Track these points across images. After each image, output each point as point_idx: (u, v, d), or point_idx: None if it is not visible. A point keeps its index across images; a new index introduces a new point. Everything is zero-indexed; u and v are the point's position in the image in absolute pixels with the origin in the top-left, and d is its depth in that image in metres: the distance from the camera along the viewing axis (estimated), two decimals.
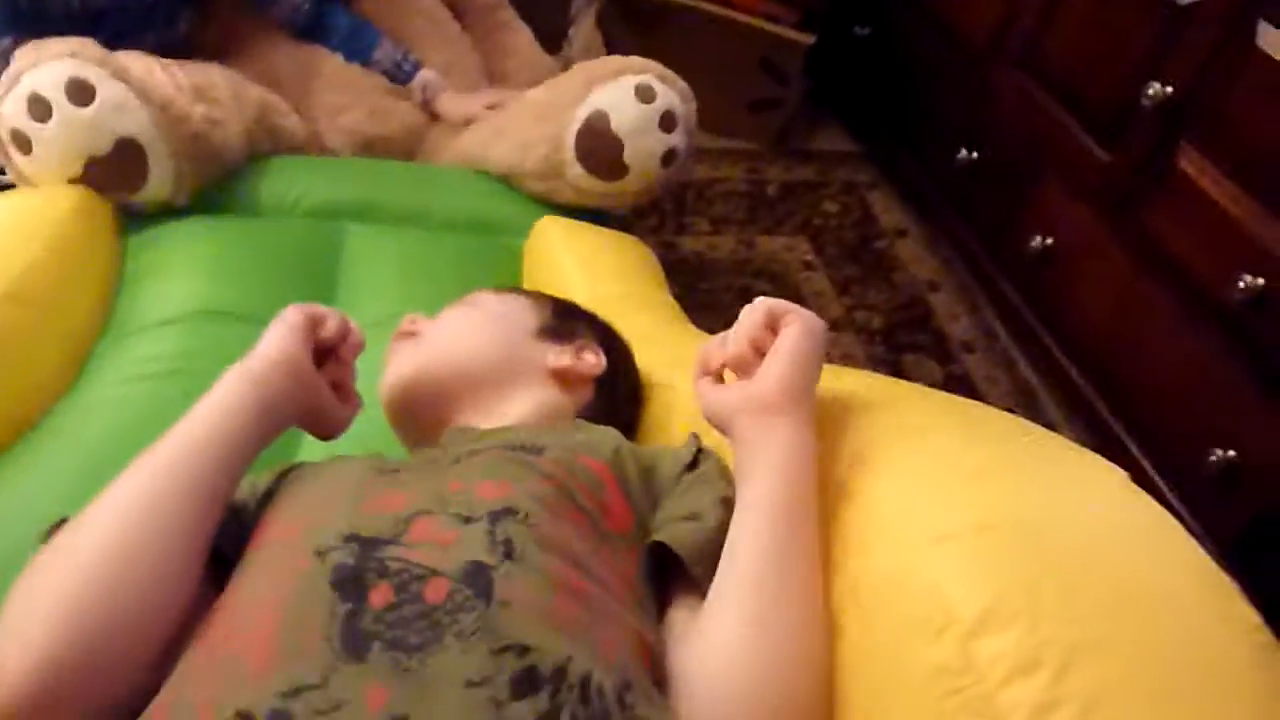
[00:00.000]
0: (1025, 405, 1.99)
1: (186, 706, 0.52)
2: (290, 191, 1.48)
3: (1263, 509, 1.44)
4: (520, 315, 0.92)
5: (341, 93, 1.73)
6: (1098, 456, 0.58)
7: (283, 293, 1.22)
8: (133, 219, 1.36)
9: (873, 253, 2.34)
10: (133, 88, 1.23)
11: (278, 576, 0.59)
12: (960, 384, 2.02)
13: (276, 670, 0.51)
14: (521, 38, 2.07)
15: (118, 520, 0.60)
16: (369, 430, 0.91)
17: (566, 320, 0.93)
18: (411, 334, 0.89)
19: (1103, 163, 1.72)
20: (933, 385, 2.05)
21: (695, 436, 0.78)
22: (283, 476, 0.73)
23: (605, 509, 0.67)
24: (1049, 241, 1.86)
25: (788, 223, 2.40)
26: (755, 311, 0.68)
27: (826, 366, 0.69)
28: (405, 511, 0.61)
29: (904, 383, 0.76)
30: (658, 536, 0.67)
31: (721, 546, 0.64)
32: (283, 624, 0.55)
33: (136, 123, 1.23)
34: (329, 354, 0.78)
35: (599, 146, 1.47)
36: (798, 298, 2.18)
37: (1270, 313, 1.40)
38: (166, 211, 1.38)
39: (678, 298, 1.60)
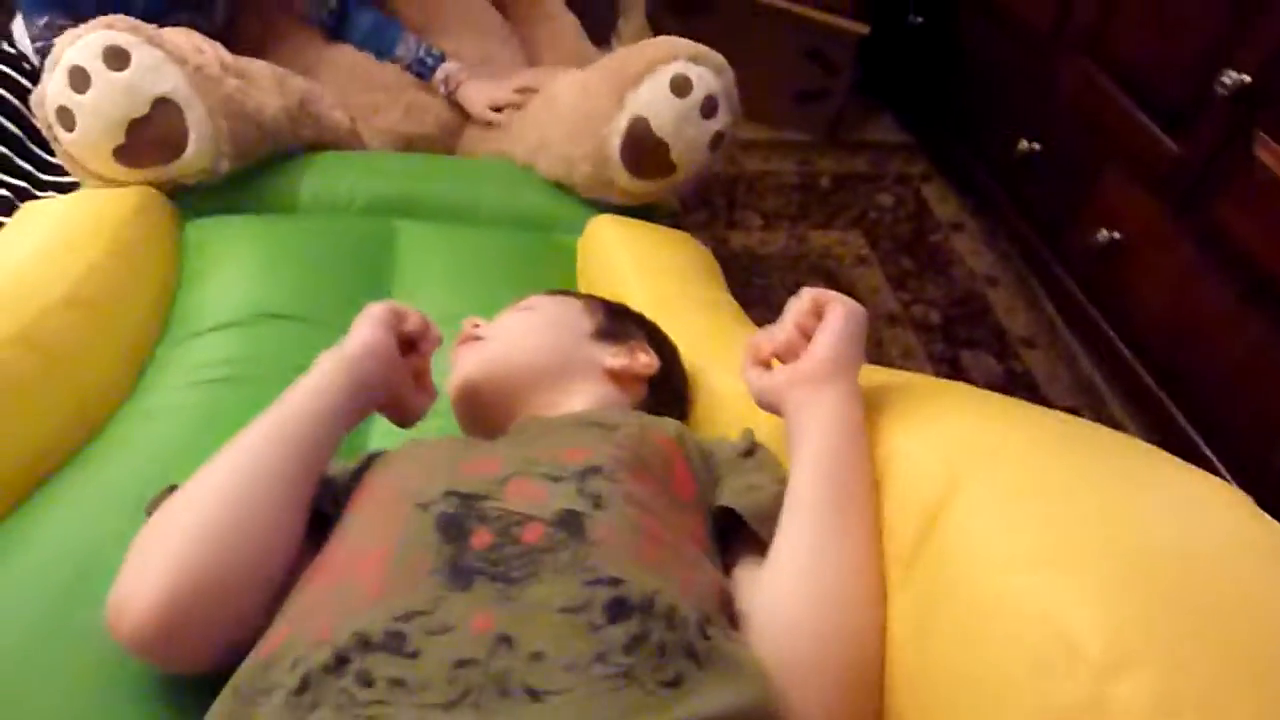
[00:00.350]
0: (1088, 402, 1.94)
1: (304, 631, 0.56)
2: (341, 188, 1.48)
3: None
4: (576, 318, 0.96)
5: (376, 92, 1.72)
6: (1218, 479, 0.55)
7: (338, 294, 1.21)
8: (190, 215, 1.37)
9: (928, 246, 2.29)
10: (168, 53, 1.26)
11: (383, 525, 0.65)
12: (1020, 380, 1.97)
13: (389, 599, 0.56)
14: (566, 30, 2.03)
15: (230, 478, 0.66)
16: (438, 428, 0.93)
17: (619, 322, 0.98)
18: (475, 338, 0.93)
19: (1172, 153, 1.66)
20: (992, 381, 2.01)
21: (749, 431, 0.82)
22: (371, 459, 0.78)
23: (673, 477, 0.73)
24: (1114, 235, 1.81)
25: (841, 216, 2.36)
26: (801, 300, 0.74)
27: (905, 373, 0.68)
28: (499, 474, 0.67)
29: (991, 394, 0.73)
30: (722, 502, 0.73)
31: (779, 512, 0.69)
32: (391, 561, 0.60)
33: (171, 81, 1.25)
34: (410, 348, 0.84)
35: (645, 153, 1.44)
36: (852, 293, 2.14)
37: None
38: (221, 208, 1.38)
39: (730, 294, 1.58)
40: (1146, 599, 0.46)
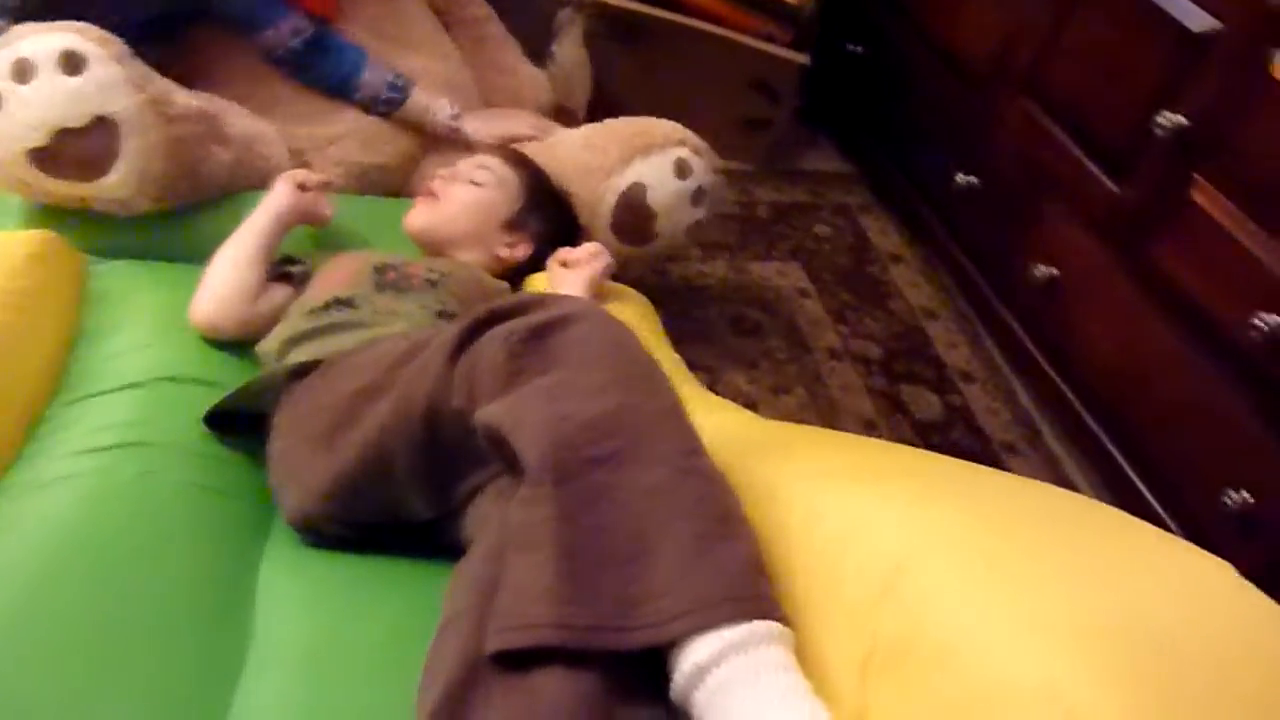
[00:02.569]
0: (1027, 438, 1.93)
1: (305, 301, 1.22)
2: None
3: None
4: (501, 205, 1.43)
5: (331, 123, 1.65)
6: (1201, 551, 0.54)
7: (245, 352, 1.18)
8: (98, 256, 1.30)
9: (867, 279, 2.28)
10: (129, 75, 1.17)
11: (347, 268, 1.25)
12: (960, 415, 1.96)
13: (347, 289, 1.19)
14: (512, 53, 2.00)
15: (230, 254, 1.25)
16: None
17: (524, 215, 1.44)
18: (433, 194, 1.41)
19: (1111, 193, 1.66)
20: (932, 417, 2.00)
21: None
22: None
23: (489, 294, 1.35)
24: (1053, 272, 1.81)
25: (780, 246, 2.33)
26: (592, 246, 1.40)
27: (869, 440, 0.65)
28: (404, 260, 1.31)
29: (956, 461, 0.70)
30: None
31: None
32: (349, 277, 1.22)
33: (123, 105, 1.17)
34: (304, 188, 1.37)
35: (634, 217, 1.51)
36: (793, 327, 2.13)
37: None
38: (135, 250, 1.31)
39: (669, 326, 1.55)
40: (1155, 678, 0.44)
